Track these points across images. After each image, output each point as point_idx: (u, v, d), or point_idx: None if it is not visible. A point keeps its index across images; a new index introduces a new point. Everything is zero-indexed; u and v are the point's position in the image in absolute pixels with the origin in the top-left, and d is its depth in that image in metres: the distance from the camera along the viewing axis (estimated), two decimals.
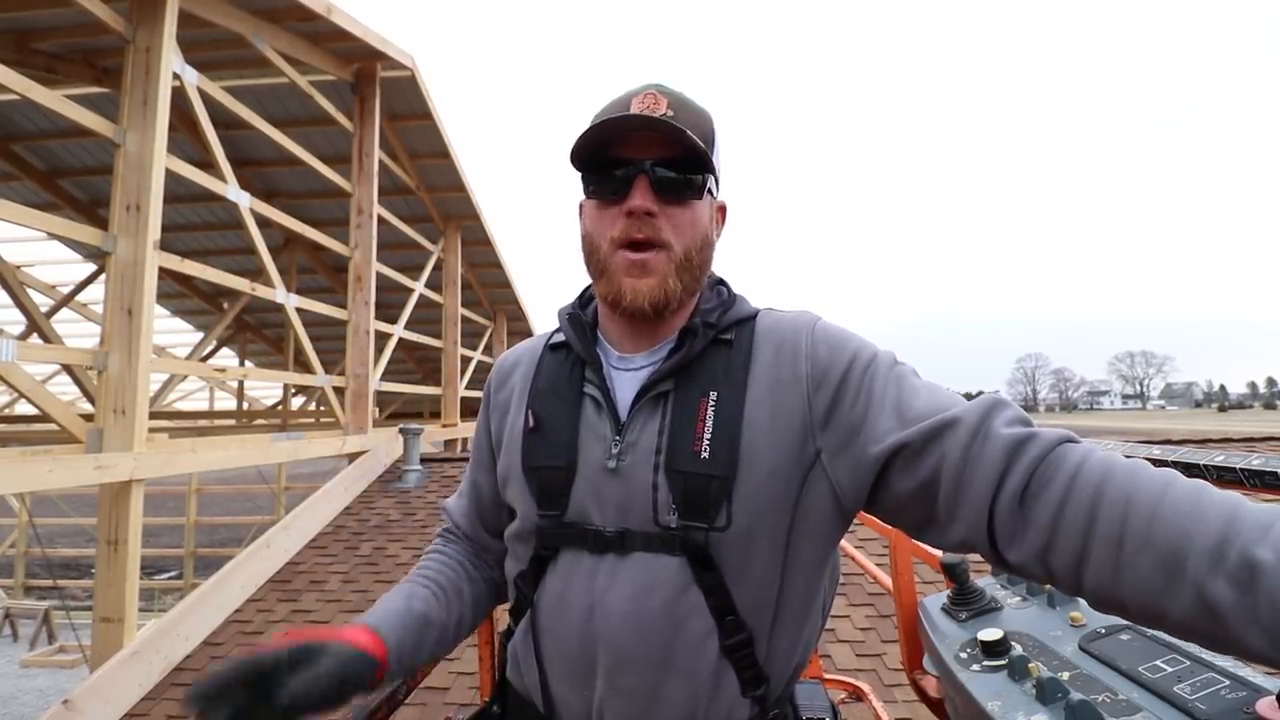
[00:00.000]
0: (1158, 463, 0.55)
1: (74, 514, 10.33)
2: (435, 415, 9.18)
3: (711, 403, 0.68)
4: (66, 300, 7.86)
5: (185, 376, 9.76)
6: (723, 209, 0.80)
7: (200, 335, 10.26)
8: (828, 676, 2.05)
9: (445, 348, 8.97)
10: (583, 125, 0.71)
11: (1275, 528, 0.44)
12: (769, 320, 0.75)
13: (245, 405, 11.89)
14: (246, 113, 4.88)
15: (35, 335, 5.85)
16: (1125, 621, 0.96)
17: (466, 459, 0.93)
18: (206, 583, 4.16)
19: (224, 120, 4.97)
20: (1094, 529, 0.51)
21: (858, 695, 2.13)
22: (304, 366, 5.89)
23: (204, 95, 4.39)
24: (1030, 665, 0.93)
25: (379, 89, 6.28)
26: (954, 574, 1.21)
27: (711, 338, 0.72)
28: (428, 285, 8.24)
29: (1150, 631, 0.93)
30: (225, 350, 11.72)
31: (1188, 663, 0.83)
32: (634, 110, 0.69)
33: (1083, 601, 1.07)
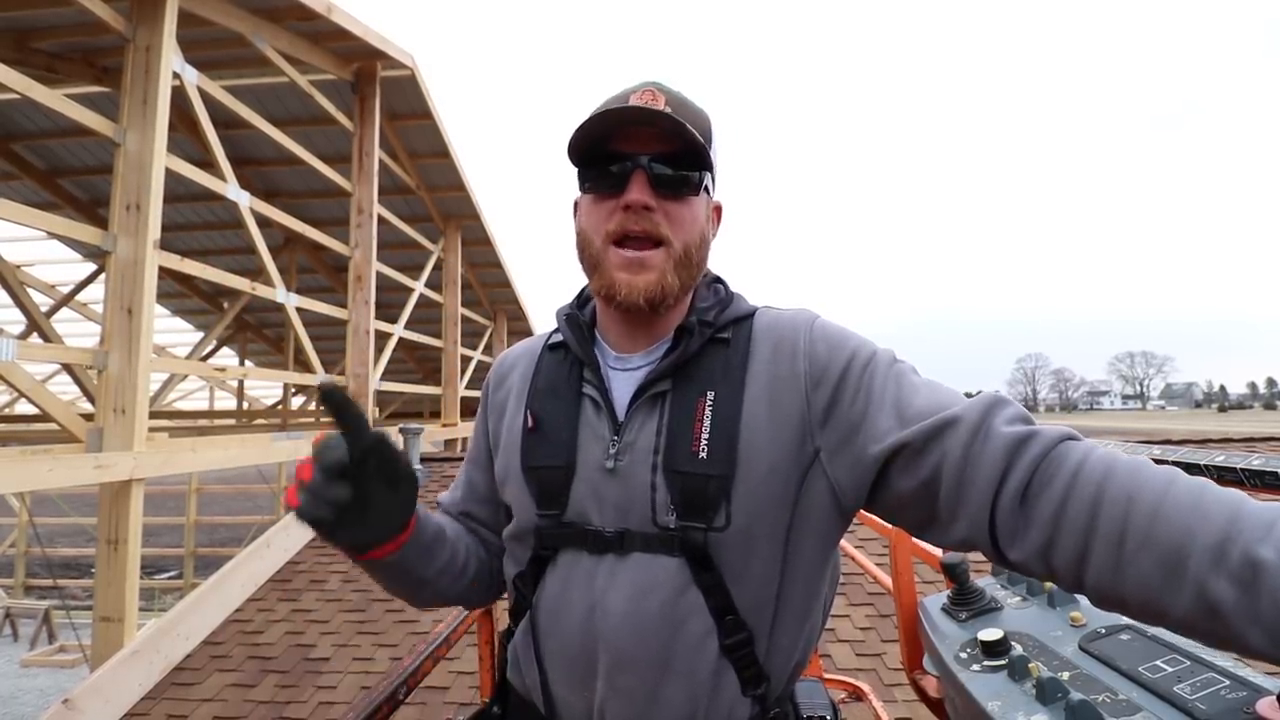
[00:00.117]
0: (1158, 463, 0.54)
1: (74, 513, 10.34)
2: (435, 415, 9.19)
3: (709, 402, 0.68)
4: (66, 300, 7.86)
5: (185, 376, 9.76)
6: (719, 209, 0.80)
7: (200, 335, 10.26)
8: (828, 676, 2.05)
9: (445, 347, 8.97)
10: (576, 124, 0.70)
11: (1278, 526, 0.43)
12: (767, 318, 0.74)
13: (245, 405, 11.89)
14: (246, 112, 4.88)
15: (35, 335, 5.85)
16: (1125, 621, 0.97)
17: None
18: (206, 582, 4.17)
19: (224, 119, 4.98)
20: (1096, 526, 0.51)
21: (858, 695, 2.13)
22: (304, 366, 5.89)
23: (204, 94, 4.39)
24: (1030, 665, 0.93)
25: (379, 88, 6.28)
26: (954, 574, 1.21)
27: (709, 336, 0.72)
28: (428, 285, 8.24)
29: (1150, 631, 0.93)
30: (225, 350, 11.72)
31: (1188, 663, 0.83)
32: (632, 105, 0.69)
33: (1083, 601, 1.07)
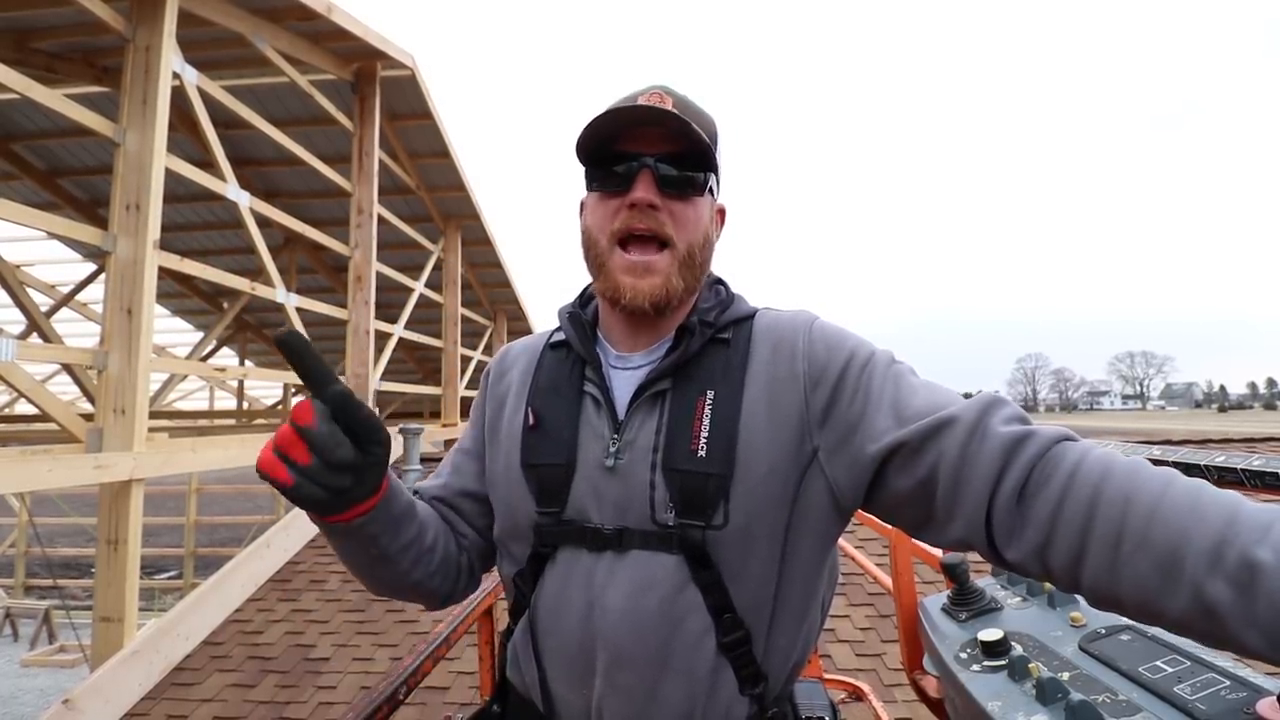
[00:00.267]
0: (1157, 463, 0.55)
1: (74, 513, 10.34)
2: (435, 415, 9.18)
3: (709, 402, 0.68)
4: (66, 300, 7.86)
5: (185, 376, 9.76)
6: (722, 211, 0.81)
7: (200, 335, 10.25)
8: (828, 676, 2.05)
9: (445, 348, 8.97)
10: (584, 123, 0.71)
11: (1275, 528, 0.43)
12: (767, 319, 0.75)
13: (245, 405, 11.90)
14: (246, 112, 4.88)
15: (35, 335, 5.84)
16: (1125, 622, 0.97)
17: None
18: (206, 582, 4.17)
19: (224, 119, 4.98)
20: (1092, 527, 0.51)
21: (858, 695, 2.13)
22: None
23: (204, 94, 4.39)
24: (1030, 665, 0.93)
25: (379, 88, 6.28)
26: (954, 574, 1.21)
27: (709, 336, 0.72)
28: (428, 285, 8.24)
29: (1151, 632, 0.93)
30: (225, 350, 11.72)
31: (1188, 663, 0.83)
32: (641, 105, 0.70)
33: (1083, 602, 1.07)
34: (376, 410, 7.70)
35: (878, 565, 2.09)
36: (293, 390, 10.70)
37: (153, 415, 6.41)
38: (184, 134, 5.38)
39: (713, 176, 0.74)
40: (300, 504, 0.57)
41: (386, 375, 6.98)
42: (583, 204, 0.78)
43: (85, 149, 7.24)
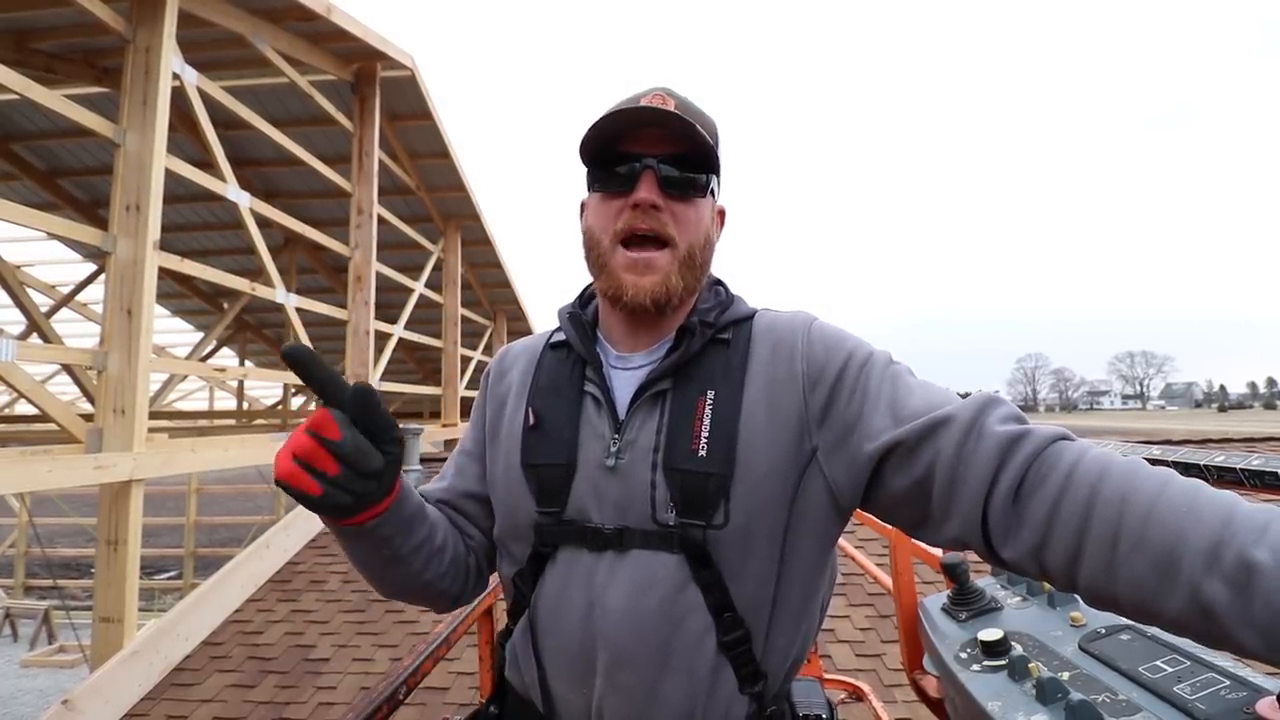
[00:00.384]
0: (1157, 463, 0.55)
1: (74, 514, 10.34)
2: (435, 415, 9.18)
3: (709, 402, 0.68)
4: (66, 300, 7.86)
5: (185, 376, 9.75)
6: (722, 213, 0.81)
7: (200, 335, 10.26)
8: (828, 676, 2.05)
9: (445, 348, 8.97)
10: (587, 124, 0.72)
11: (1272, 528, 0.43)
12: (766, 320, 0.75)
13: (245, 405, 11.90)
14: (246, 113, 4.88)
15: (35, 335, 5.85)
16: (1125, 621, 0.97)
17: None
18: (206, 583, 4.16)
19: (224, 120, 4.98)
20: (1089, 527, 0.51)
21: (858, 695, 2.13)
22: None
23: (204, 95, 4.39)
24: (1030, 665, 0.93)
25: (379, 89, 6.28)
26: (954, 574, 1.21)
27: (709, 337, 0.72)
28: (428, 285, 8.24)
29: (1150, 631, 0.93)
30: (225, 350, 11.72)
31: (1188, 663, 0.83)
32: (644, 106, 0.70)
33: (1083, 601, 1.07)
34: None
35: (878, 565, 2.09)
36: (292, 390, 10.71)
37: (153, 415, 6.41)
38: (184, 134, 5.39)
39: (714, 178, 0.75)
40: (323, 511, 0.58)
41: (386, 375, 6.98)
42: (583, 205, 0.78)
43: (85, 149, 7.24)
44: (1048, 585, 1.13)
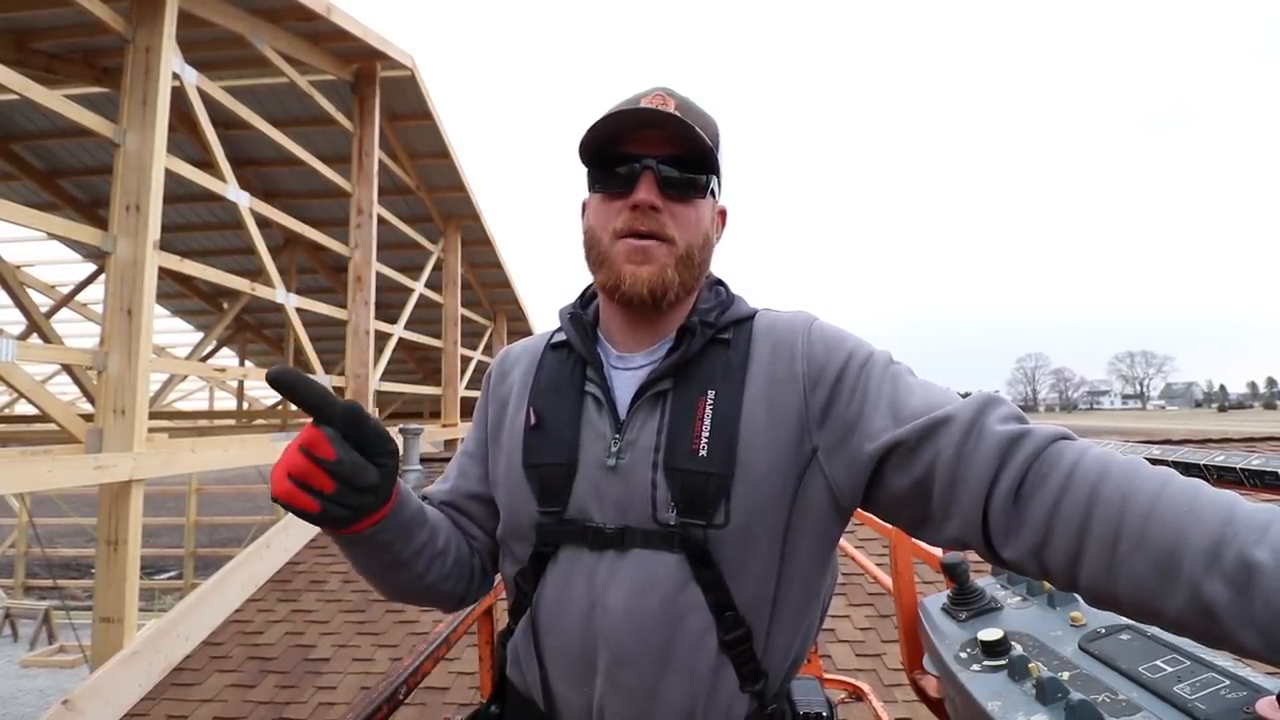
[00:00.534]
0: (1157, 463, 0.55)
1: (74, 514, 10.33)
2: (435, 415, 9.18)
3: (709, 401, 0.68)
4: (66, 300, 7.86)
5: (185, 376, 9.76)
6: (723, 213, 0.81)
7: (200, 335, 10.26)
8: (828, 676, 2.05)
9: (445, 348, 8.97)
10: (589, 122, 0.71)
11: (1273, 528, 0.44)
12: (766, 320, 0.75)
13: (245, 405, 11.89)
14: (246, 113, 4.88)
15: (35, 335, 5.85)
16: (1125, 621, 0.97)
17: None
18: (206, 583, 4.16)
19: (224, 120, 4.98)
20: (1089, 527, 0.51)
21: (858, 695, 2.13)
22: (304, 366, 5.89)
23: (204, 95, 4.39)
24: (1030, 665, 0.93)
25: (379, 89, 6.28)
26: (954, 574, 1.21)
27: (710, 337, 0.72)
28: (428, 285, 8.24)
29: (1150, 631, 0.93)
30: (225, 350, 11.72)
31: (1188, 663, 0.83)
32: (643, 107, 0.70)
33: (1083, 601, 1.07)
34: (376, 411, 7.72)
35: (878, 565, 2.09)
36: None
37: (153, 416, 6.41)
38: (184, 134, 5.38)
39: (714, 178, 0.75)
40: (321, 525, 0.59)
41: (386, 375, 6.98)
42: (585, 205, 0.78)
43: (85, 149, 7.24)
44: (1048, 585, 1.13)
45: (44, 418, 4.15)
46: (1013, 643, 1.01)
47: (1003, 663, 0.97)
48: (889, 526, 1.57)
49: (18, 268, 8.38)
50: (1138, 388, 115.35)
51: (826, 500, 0.67)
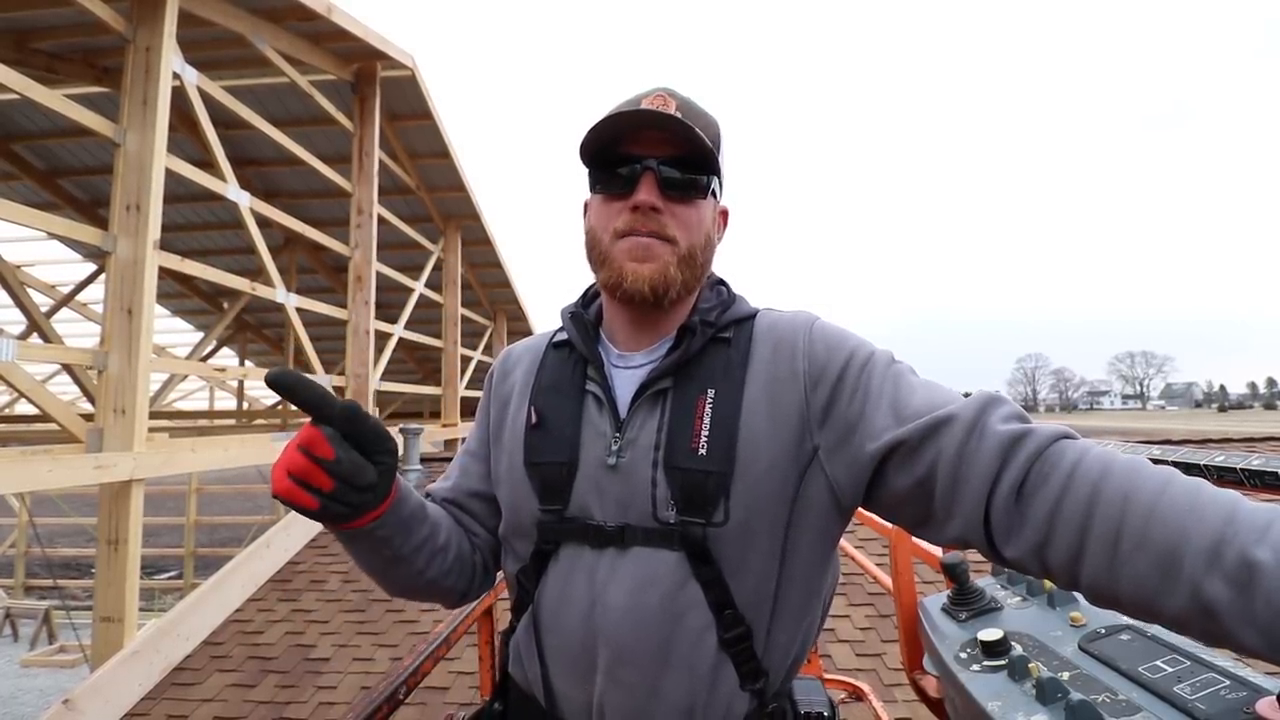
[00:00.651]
0: (1157, 463, 0.55)
1: (74, 514, 10.34)
2: (435, 415, 9.18)
3: (709, 400, 0.69)
4: (66, 300, 7.87)
5: (185, 376, 9.76)
6: (725, 213, 0.82)
7: (200, 335, 10.26)
8: (828, 676, 2.05)
9: (445, 348, 8.97)
10: (590, 123, 0.72)
11: (1274, 528, 0.44)
12: (768, 319, 0.75)
13: (245, 405, 11.90)
14: (246, 112, 4.88)
15: (35, 335, 5.85)
16: (1125, 621, 0.97)
17: None
18: (206, 582, 4.17)
19: (224, 120, 4.98)
20: (1091, 526, 0.51)
21: (858, 695, 2.13)
22: (304, 366, 5.89)
23: (204, 95, 4.40)
24: (1030, 665, 0.93)
25: (379, 89, 6.29)
26: (954, 574, 1.21)
27: (710, 336, 0.73)
28: (428, 285, 8.25)
29: (1150, 631, 0.93)
30: (225, 350, 11.72)
31: (1188, 663, 0.83)
32: (644, 109, 0.70)
33: (1083, 601, 1.07)
34: (376, 411, 7.72)
35: (878, 565, 2.09)
36: None
37: (153, 415, 6.41)
38: (184, 134, 5.38)
39: (715, 179, 0.75)
40: (321, 521, 0.61)
41: (386, 375, 6.98)
42: (586, 205, 0.78)
43: (85, 149, 7.24)
44: (1048, 585, 1.13)
45: (44, 417, 4.15)
46: (1013, 643, 1.01)
47: (1003, 663, 0.97)
48: (889, 526, 1.58)
49: (18, 267, 8.38)
50: (1138, 388, 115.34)
51: (827, 499, 0.67)
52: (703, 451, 0.66)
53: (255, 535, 6.37)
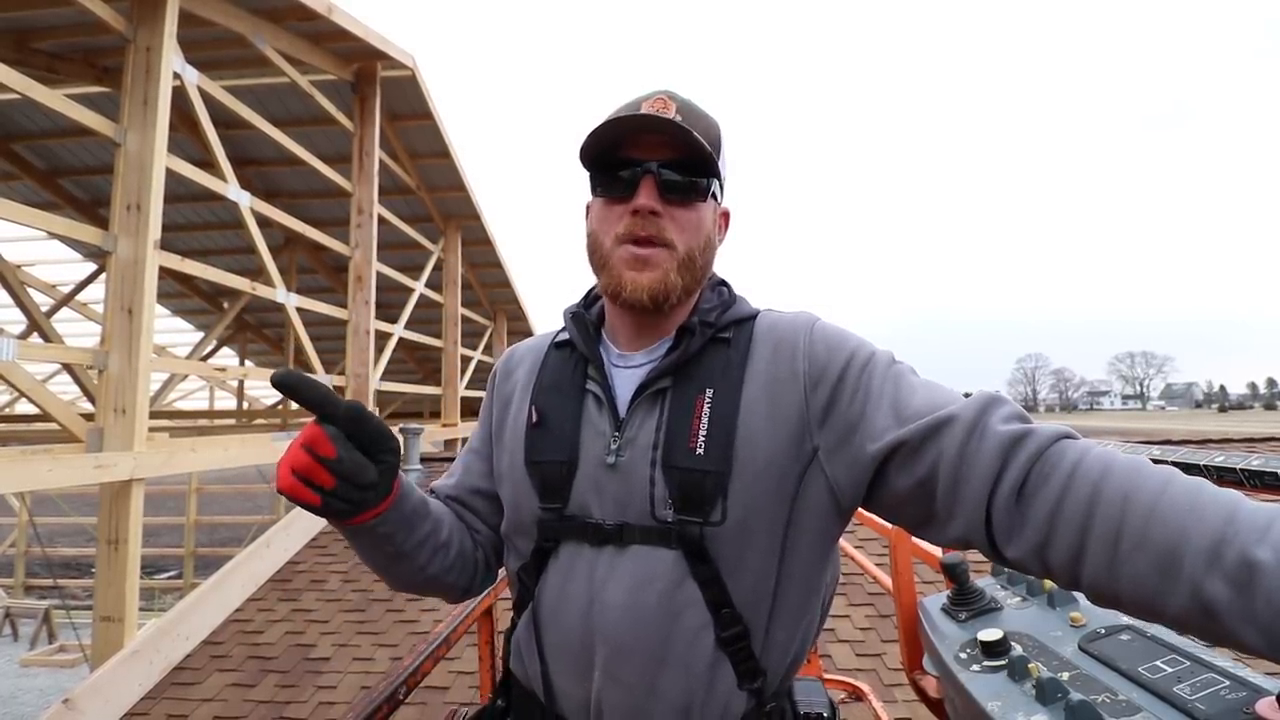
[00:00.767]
0: (1157, 463, 0.55)
1: (74, 513, 10.35)
2: (435, 415, 9.19)
3: (708, 400, 0.69)
4: (67, 300, 7.87)
5: (185, 376, 9.77)
6: (726, 215, 0.82)
7: (200, 335, 10.27)
8: (828, 676, 2.05)
9: (445, 348, 8.97)
10: (590, 126, 0.72)
11: (1274, 528, 0.44)
12: (768, 320, 0.76)
13: (245, 405, 11.90)
14: (247, 112, 4.88)
15: (35, 335, 5.85)
16: (1125, 621, 0.97)
17: None
18: (206, 582, 4.17)
19: (224, 120, 4.98)
20: (1091, 525, 0.51)
21: (858, 695, 2.13)
22: (304, 366, 5.90)
23: (204, 95, 4.40)
24: (1030, 665, 0.93)
25: (379, 89, 6.29)
26: (954, 574, 1.22)
27: (710, 336, 0.73)
28: (428, 285, 8.25)
29: (1150, 631, 0.93)
30: (225, 350, 11.73)
31: (1187, 663, 0.83)
32: (643, 113, 0.71)
33: (1083, 602, 1.08)
34: (376, 411, 7.72)
35: (878, 565, 2.10)
36: None
37: (153, 415, 6.41)
38: (184, 134, 5.39)
39: (715, 181, 0.75)
40: (323, 516, 0.62)
41: (386, 375, 6.99)
42: (588, 208, 0.79)
43: (86, 149, 7.25)
44: (1048, 585, 1.13)
45: (44, 417, 4.15)
46: (1012, 643, 1.01)
47: (1003, 663, 0.97)
48: (889, 526, 1.58)
49: (18, 267, 8.39)
50: (1138, 388, 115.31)
51: (827, 500, 0.67)
52: (700, 451, 0.66)
53: (255, 535, 6.37)
